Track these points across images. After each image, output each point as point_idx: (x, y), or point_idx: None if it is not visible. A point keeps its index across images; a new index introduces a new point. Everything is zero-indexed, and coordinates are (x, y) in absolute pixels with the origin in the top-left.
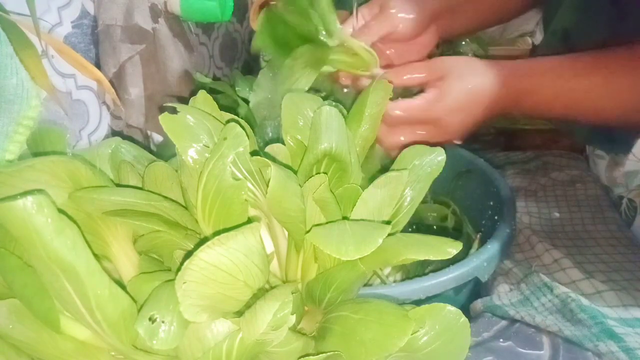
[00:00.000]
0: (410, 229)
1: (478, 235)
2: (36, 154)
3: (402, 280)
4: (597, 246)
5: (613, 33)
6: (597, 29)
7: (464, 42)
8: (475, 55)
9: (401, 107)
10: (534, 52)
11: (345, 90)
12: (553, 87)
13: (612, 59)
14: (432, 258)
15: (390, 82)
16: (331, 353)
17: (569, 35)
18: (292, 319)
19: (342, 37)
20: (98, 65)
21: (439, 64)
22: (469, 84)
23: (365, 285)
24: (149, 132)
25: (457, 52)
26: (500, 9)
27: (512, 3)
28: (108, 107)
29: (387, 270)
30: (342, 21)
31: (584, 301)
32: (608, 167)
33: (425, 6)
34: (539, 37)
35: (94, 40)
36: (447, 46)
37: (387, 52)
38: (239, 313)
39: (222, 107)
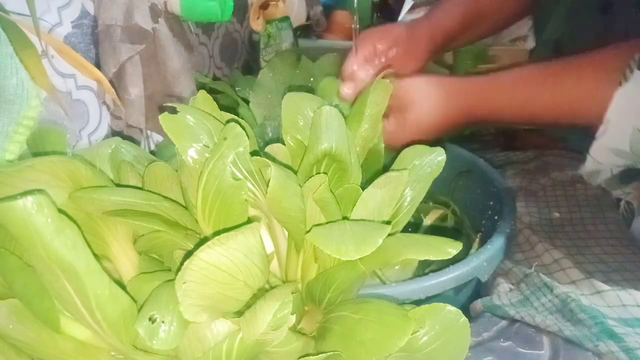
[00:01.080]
0: (410, 229)
1: (478, 235)
2: (36, 154)
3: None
4: (597, 246)
5: (602, 43)
6: (586, 39)
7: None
8: (476, 56)
9: None
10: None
11: None
12: (497, 99)
13: (568, 77)
14: (432, 258)
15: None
16: (331, 353)
17: (560, 45)
18: (292, 319)
19: None
20: (98, 65)
21: (403, 92)
22: (429, 112)
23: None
24: (149, 132)
25: (456, 52)
26: (492, 25)
27: (503, 17)
28: (108, 107)
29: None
30: (341, 21)
31: (584, 301)
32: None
33: (420, 52)
34: (531, 42)
35: (94, 40)
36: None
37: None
38: (239, 313)
39: (222, 107)
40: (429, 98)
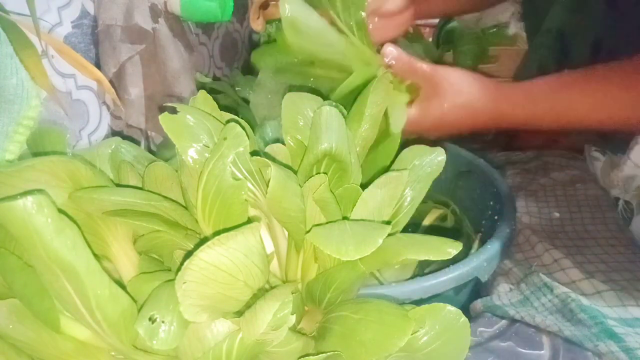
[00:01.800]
0: (410, 229)
1: (478, 235)
2: (36, 154)
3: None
4: (597, 246)
5: (608, 32)
6: (591, 29)
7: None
8: (477, 56)
9: None
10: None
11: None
12: (533, 108)
13: (597, 75)
14: (432, 258)
15: (390, 68)
16: (331, 353)
17: (564, 34)
18: (292, 319)
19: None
20: (98, 65)
21: (437, 79)
22: (453, 114)
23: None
24: (149, 132)
25: (456, 52)
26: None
27: None
28: (108, 107)
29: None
30: None
31: (584, 301)
32: (603, 168)
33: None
34: (513, 28)
35: (94, 40)
36: (447, 46)
37: (369, 26)
38: (239, 313)
39: (222, 107)
40: (460, 93)
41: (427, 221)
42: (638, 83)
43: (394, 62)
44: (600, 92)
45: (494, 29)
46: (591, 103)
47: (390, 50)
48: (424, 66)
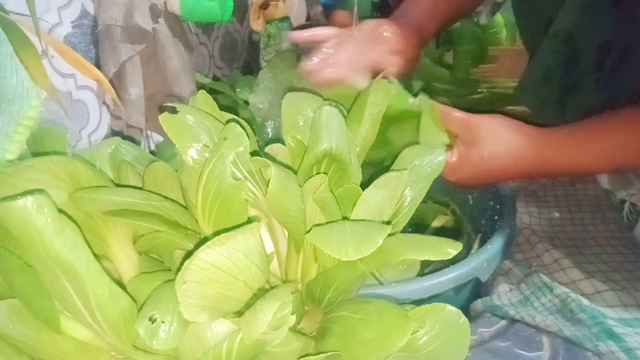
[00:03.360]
0: (410, 229)
1: (478, 235)
2: (36, 154)
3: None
4: (597, 246)
5: (616, 35)
6: (599, 31)
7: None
8: (477, 56)
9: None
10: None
11: None
12: (580, 152)
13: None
14: (432, 258)
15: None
16: (331, 353)
17: (573, 37)
18: (292, 319)
19: None
20: (98, 65)
21: (474, 126)
22: (495, 160)
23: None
24: (149, 132)
25: (456, 52)
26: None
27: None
28: (108, 107)
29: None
30: (341, 21)
31: (584, 301)
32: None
33: (406, 28)
34: (484, 19)
35: (94, 40)
36: (447, 45)
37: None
38: (239, 313)
39: (222, 107)
40: (502, 141)
41: (427, 221)
42: None
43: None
44: (633, 138)
45: (494, 29)
46: (625, 152)
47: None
48: (459, 114)
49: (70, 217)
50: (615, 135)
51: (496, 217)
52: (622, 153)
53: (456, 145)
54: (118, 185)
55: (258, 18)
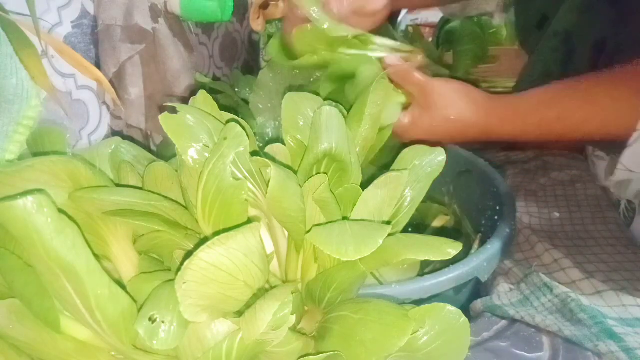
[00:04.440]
0: (410, 229)
1: (478, 235)
2: (36, 154)
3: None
4: (597, 246)
5: (614, 34)
6: (598, 30)
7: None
8: (477, 56)
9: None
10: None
11: None
12: (535, 131)
13: (585, 86)
14: (432, 258)
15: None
16: (331, 353)
17: (571, 36)
18: (292, 319)
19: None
20: (98, 65)
21: (429, 90)
22: (443, 126)
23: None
24: (149, 132)
25: (456, 52)
26: None
27: None
28: (108, 107)
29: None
30: None
31: (584, 301)
32: (608, 168)
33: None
34: (497, 19)
35: (94, 40)
36: (447, 45)
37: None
38: (239, 313)
39: (222, 107)
40: (452, 106)
41: (427, 221)
42: (624, 93)
43: (391, 68)
44: (588, 104)
45: (494, 29)
46: (580, 115)
47: (390, 56)
48: (418, 76)
49: (70, 217)
50: (555, 107)
51: (496, 217)
52: (562, 125)
53: (412, 107)
54: (118, 185)
55: (258, 18)
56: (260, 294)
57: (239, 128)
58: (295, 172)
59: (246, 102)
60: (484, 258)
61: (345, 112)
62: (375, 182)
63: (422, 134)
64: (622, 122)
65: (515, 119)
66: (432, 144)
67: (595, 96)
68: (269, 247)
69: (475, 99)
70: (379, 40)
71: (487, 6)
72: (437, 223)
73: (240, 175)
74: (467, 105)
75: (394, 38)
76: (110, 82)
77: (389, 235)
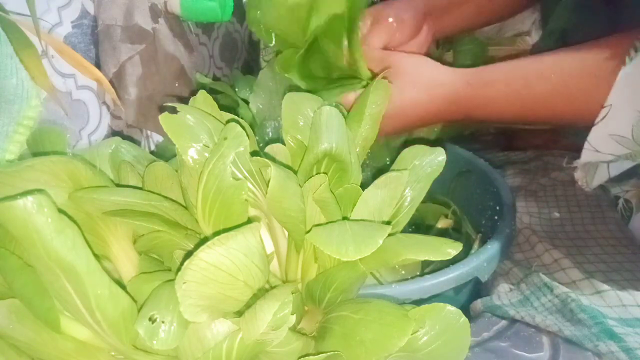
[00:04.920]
0: (410, 229)
1: (478, 236)
2: (36, 154)
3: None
4: (597, 246)
5: (609, 33)
6: (593, 29)
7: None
8: (477, 56)
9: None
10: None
11: None
12: (502, 98)
13: (569, 62)
14: (432, 258)
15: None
16: (331, 353)
17: (567, 35)
18: (292, 319)
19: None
20: (98, 65)
21: (392, 62)
22: (409, 97)
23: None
24: (149, 132)
25: (456, 52)
26: (492, 9)
27: (504, 3)
28: (108, 107)
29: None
30: None
31: (584, 301)
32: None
33: (417, 9)
34: (535, 37)
35: (94, 40)
36: (447, 45)
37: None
38: (239, 313)
39: (222, 107)
40: (419, 77)
41: (427, 221)
42: (592, 62)
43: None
44: (555, 73)
45: (518, 38)
46: (547, 85)
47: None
48: (379, 51)
49: (70, 217)
50: (523, 72)
51: (496, 217)
52: (529, 93)
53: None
54: (118, 185)
55: None
56: (260, 294)
57: (239, 128)
58: (295, 172)
59: (246, 102)
60: (484, 258)
61: (345, 112)
62: (375, 182)
63: (391, 110)
64: (590, 98)
65: (483, 84)
66: (403, 124)
67: (563, 67)
68: (269, 247)
69: (441, 70)
70: None
71: (522, 26)
72: (441, 225)
73: (240, 175)
74: (433, 69)
75: None
76: (110, 82)
77: (389, 235)
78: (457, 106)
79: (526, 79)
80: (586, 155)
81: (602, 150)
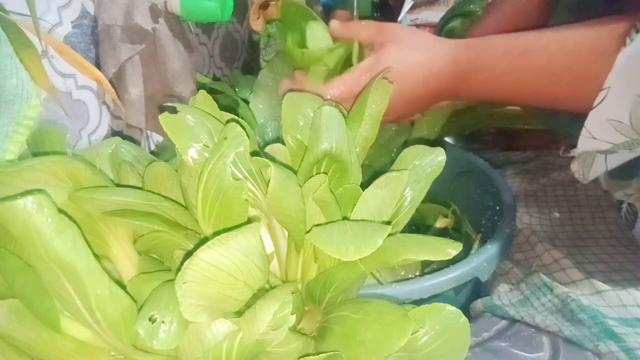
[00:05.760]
0: (410, 229)
1: (478, 236)
2: (36, 154)
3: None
4: (597, 246)
5: None
6: None
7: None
8: None
9: (335, 85)
10: None
11: None
12: (501, 64)
13: (569, 37)
14: (432, 258)
15: (337, 33)
16: (331, 353)
17: None
18: (292, 319)
19: None
20: (98, 65)
21: (387, 29)
22: (410, 57)
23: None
24: (149, 132)
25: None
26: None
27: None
28: (108, 107)
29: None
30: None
31: (584, 301)
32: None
33: None
34: None
35: (94, 40)
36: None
37: None
38: (239, 313)
39: (222, 107)
40: (414, 46)
41: (427, 221)
42: (591, 39)
43: (339, 30)
44: (554, 43)
45: None
46: (545, 54)
47: (332, 22)
48: (371, 22)
49: (70, 217)
50: (522, 40)
51: (496, 217)
52: (527, 63)
53: (370, 54)
54: (118, 185)
55: (258, 18)
56: (260, 294)
57: (239, 128)
58: (295, 172)
59: (246, 102)
60: (484, 258)
61: (346, 112)
62: (375, 182)
63: (395, 75)
64: (588, 74)
65: (483, 47)
66: (409, 92)
67: (562, 37)
68: (269, 247)
69: (438, 38)
70: None
71: None
72: (440, 224)
73: (240, 175)
74: (430, 34)
75: None
76: (110, 82)
77: (389, 235)
78: (457, 67)
79: (525, 48)
80: (583, 142)
81: (599, 137)
